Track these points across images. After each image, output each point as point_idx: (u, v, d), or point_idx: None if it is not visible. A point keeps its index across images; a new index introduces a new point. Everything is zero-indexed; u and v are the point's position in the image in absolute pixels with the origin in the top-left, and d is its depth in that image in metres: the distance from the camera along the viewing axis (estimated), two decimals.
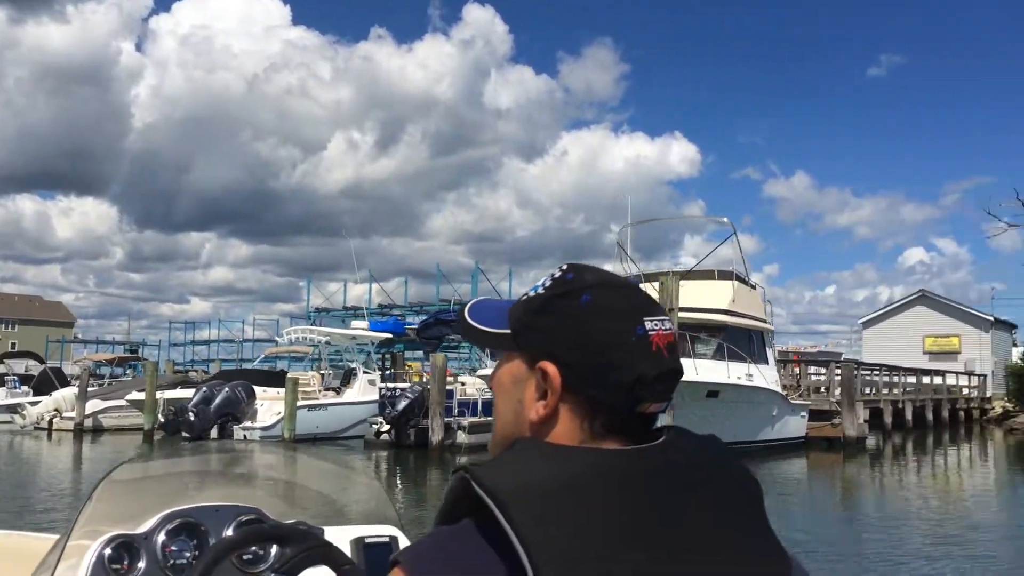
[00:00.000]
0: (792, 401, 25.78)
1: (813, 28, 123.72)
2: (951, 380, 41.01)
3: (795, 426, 25.72)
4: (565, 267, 0.97)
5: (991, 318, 48.20)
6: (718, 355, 22.23)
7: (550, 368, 0.90)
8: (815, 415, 27.08)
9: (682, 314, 20.14)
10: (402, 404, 23.95)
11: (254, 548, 1.73)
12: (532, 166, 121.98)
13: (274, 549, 1.56)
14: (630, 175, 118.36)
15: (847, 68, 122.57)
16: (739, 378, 22.50)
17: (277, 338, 30.06)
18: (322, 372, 29.00)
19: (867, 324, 51.11)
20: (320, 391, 27.20)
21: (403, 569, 0.83)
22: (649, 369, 0.89)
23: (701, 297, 22.13)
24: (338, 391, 27.46)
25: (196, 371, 50.21)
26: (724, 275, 24.16)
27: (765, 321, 25.18)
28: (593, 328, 0.90)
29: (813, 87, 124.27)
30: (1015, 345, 50.01)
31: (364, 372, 27.88)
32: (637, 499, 0.83)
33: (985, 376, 44.80)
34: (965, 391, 42.35)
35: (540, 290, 0.96)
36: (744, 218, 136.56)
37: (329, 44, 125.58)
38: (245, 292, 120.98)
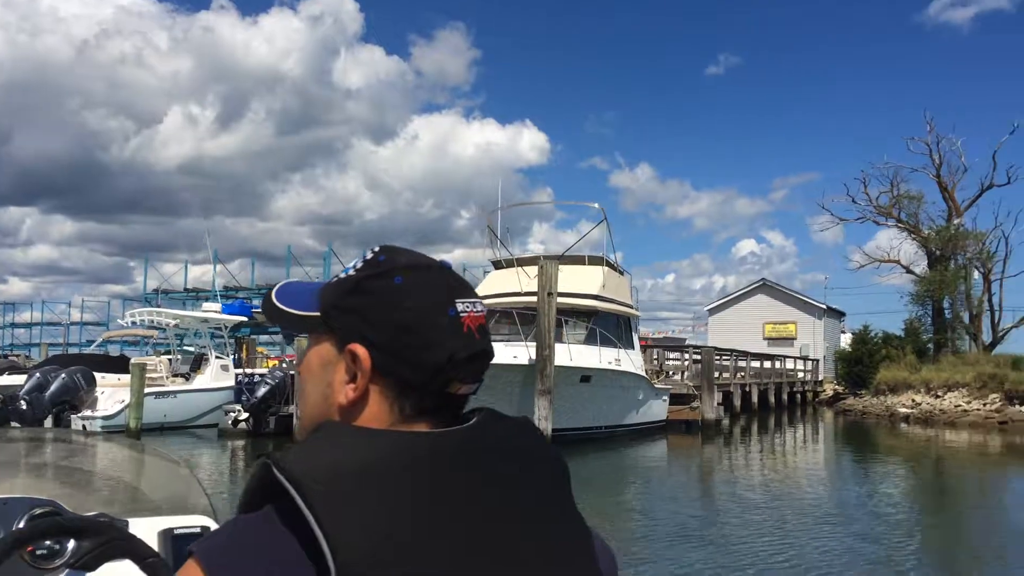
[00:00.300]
0: (656, 386, 26.33)
1: (658, 23, 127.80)
2: (788, 364, 43.49)
3: (658, 410, 26.29)
4: (377, 249, 0.97)
5: (824, 306, 51.44)
6: (590, 340, 22.30)
7: (360, 350, 0.90)
8: (673, 399, 27.81)
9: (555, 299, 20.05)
10: (262, 391, 22.67)
11: (48, 542, 1.55)
12: (382, 148, 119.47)
13: (71, 543, 1.45)
14: (481, 161, 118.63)
15: (688, 65, 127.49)
16: (610, 363, 22.69)
17: (120, 321, 27.72)
18: (170, 357, 27.06)
19: (712, 311, 53.45)
20: (168, 377, 25.36)
21: (196, 560, 0.80)
22: (460, 350, 0.91)
23: (572, 282, 22.10)
24: (188, 377, 25.70)
25: (18, 356, 46.13)
26: (595, 260, 24.25)
27: (632, 307, 25.51)
28: (404, 309, 0.90)
29: (658, 82, 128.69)
30: (844, 332, 53.63)
31: (217, 357, 26.23)
32: (441, 481, 0.83)
33: (818, 361, 47.77)
34: (800, 375, 45.01)
35: (352, 272, 0.96)
36: (590, 208, 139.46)
37: (167, 12, 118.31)
38: (70, 272, 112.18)
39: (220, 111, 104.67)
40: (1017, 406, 30.45)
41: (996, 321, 44.39)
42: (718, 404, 28.38)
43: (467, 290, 0.95)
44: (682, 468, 20.27)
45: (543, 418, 18.69)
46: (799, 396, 42.68)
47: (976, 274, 45.18)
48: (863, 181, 47.25)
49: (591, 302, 22.72)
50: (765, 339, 49.60)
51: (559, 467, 0.94)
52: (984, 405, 31.46)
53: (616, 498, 14.41)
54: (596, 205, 25.81)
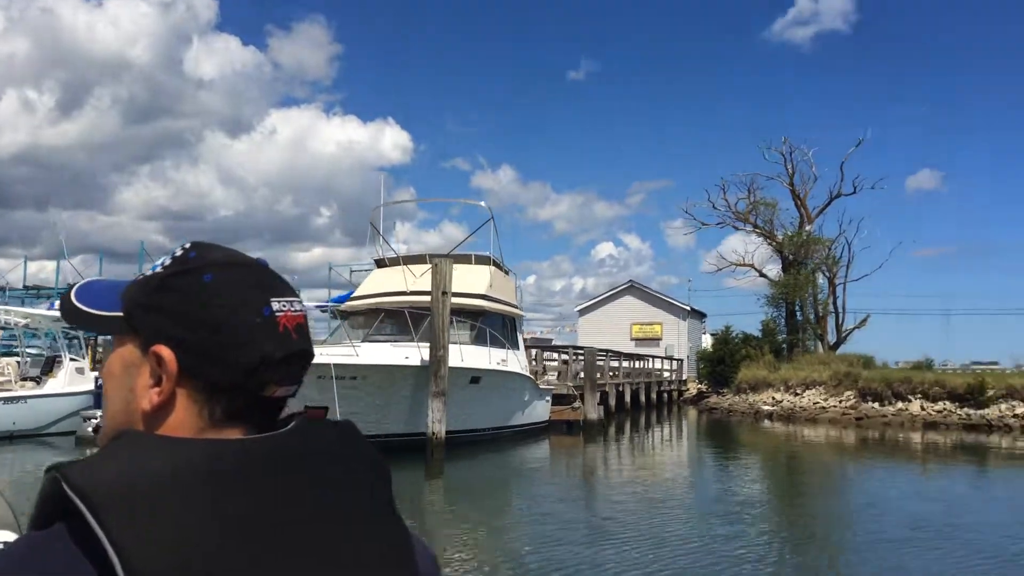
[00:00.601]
0: (540, 387, 26.32)
1: (521, 24, 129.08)
2: (655, 364, 44.70)
3: (541, 410, 26.28)
4: (188, 245, 0.93)
5: (688, 308, 53.25)
6: (478, 340, 22.01)
7: (165, 352, 0.85)
8: (554, 400, 27.90)
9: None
10: None
11: None
12: (237, 142, 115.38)
13: None
14: (342, 158, 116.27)
15: (550, 69, 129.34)
16: (498, 363, 22.47)
17: None
18: (18, 360, 24.75)
19: (582, 312, 54.32)
20: (16, 381, 23.17)
21: None
22: (275, 350, 0.87)
23: (460, 282, 21.69)
24: (38, 381, 23.59)
25: None
26: (482, 260, 23.94)
27: (517, 307, 25.38)
28: (215, 307, 0.87)
29: (520, 84, 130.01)
30: (705, 332, 55.75)
31: (71, 359, 24.20)
32: (251, 489, 0.79)
33: (682, 360, 49.37)
34: (666, 374, 46.37)
35: (159, 269, 0.91)
36: (453, 208, 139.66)
37: None
38: None
39: (60, 98, 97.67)
40: (870, 403, 32.44)
41: (840, 322, 47.38)
42: (598, 404, 28.70)
43: (285, 289, 0.92)
44: (570, 468, 20.27)
45: (437, 420, 18.23)
46: (666, 395, 43.94)
47: (821, 278, 48.09)
48: (722, 188, 49.48)
49: (479, 302, 22.41)
50: (632, 339, 50.83)
51: (381, 471, 0.90)
52: (840, 402, 33.34)
53: (509, 501, 14.17)
54: (483, 204, 25.55)
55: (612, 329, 50.49)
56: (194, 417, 0.86)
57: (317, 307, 35.78)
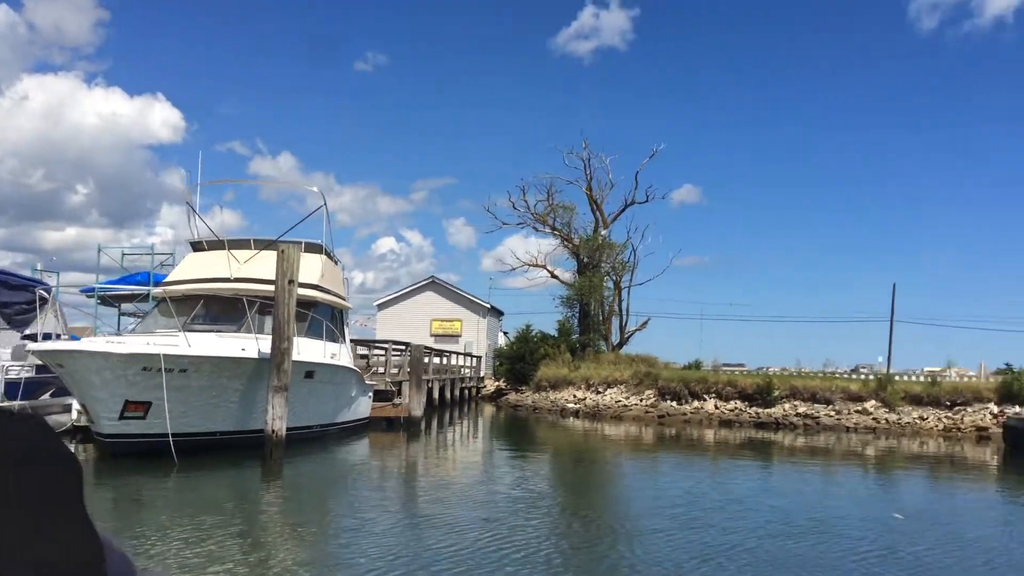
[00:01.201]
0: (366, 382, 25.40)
1: (307, 6, 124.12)
2: (455, 361, 44.68)
3: (365, 406, 25.37)
4: None
5: (488, 305, 53.76)
6: (311, 333, 20.80)
7: None
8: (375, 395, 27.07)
9: (269, 287, 18.40)
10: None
11: None
12: None
13: None
14: (103, 133, 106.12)
15: (337, 57, 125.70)
16: (332, 357, 21.40)
17: None
18: None
19: (382, 306, 53.29)
20: None
21: None
22: None
23: None
24: None
25: None
26: (313, 248, 22.58)
27: (345, 299, 24.29)
28: None
29: (304, 69, 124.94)
30: (502, 331, 56.62)
31: None
32: None
33: (481, 357, 49.81)
34: (464, 371, 46.54)
35: None
36: (227, 194, 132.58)
37: None
38: None
39: None
40: (669, 401, 34.30)
41: (624, 324, 49.89)
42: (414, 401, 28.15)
43: None
44: (409, 468, 19.61)
45: (278, 417, 16.98)
46: (467, 392, 44.08)
47: (609, 282, 50.44)
48: (522, 189, 50.62)
49: (312, 292, 21.16)
50: (432, 335, 50.57)
51: (72, 467, 0.82)
52: (641, 401, 34.99)
53: (356, 504, 13.35)
54: (315, 189, 24.08)
55: (412, 324, 50.00)
56: None
57: (83, 292, 32.45)
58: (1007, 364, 42.73)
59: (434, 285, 53.46)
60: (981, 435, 28.88)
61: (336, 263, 24.30)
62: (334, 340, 22.15)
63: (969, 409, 30.39)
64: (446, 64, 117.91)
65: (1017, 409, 29.22)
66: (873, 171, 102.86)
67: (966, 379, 38.66)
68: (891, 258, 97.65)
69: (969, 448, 26.18)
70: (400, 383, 28.61)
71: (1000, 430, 27.41)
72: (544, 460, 21.54)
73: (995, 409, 29.94)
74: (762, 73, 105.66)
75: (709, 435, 29.00)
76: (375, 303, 54.25)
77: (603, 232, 50.64)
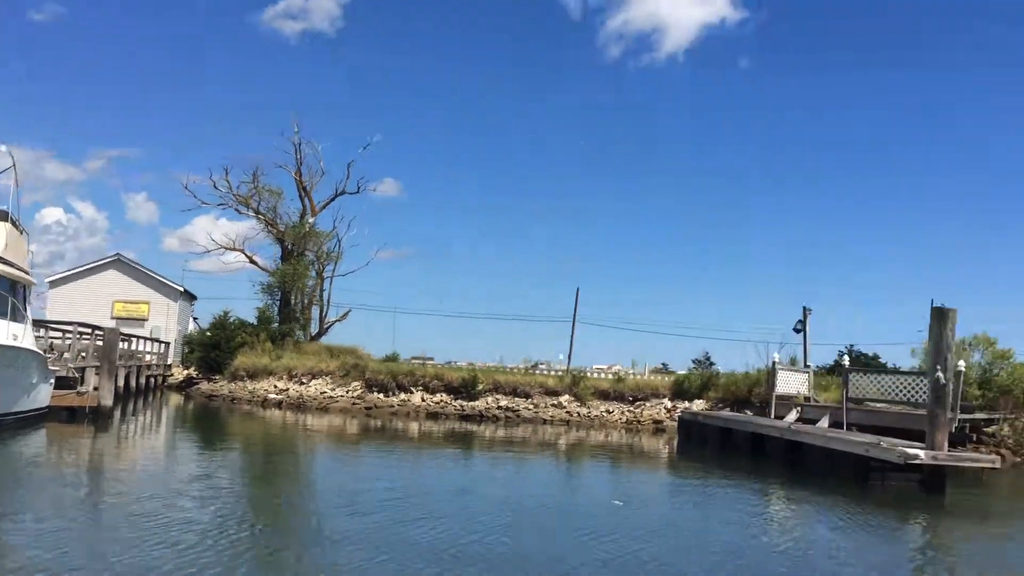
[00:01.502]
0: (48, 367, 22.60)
1: None
2: (139, 346, 41.22)
3: (46, 395, 22.58)
4: None
5: (181, 288, 50.13)
6: None
7: None
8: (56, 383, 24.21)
9: None
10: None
11: None
12: None
13: None
14: None
15: (12, 6, 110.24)
16: (13, 339, 18.84)
17: None
18: None
19: (54, 284, 47.60)
20: None
21: None
22: None
23: None
24: None
25: None
26: None
27: (28, 273, 21.46)
28: None
29: None
30: (194, 317, 53.08)
31: None
32: None
33: (169, 344, 46.41)
34: (150, 357, 43.12)
35: None
36: None
37: None
38: None
39: None
40: (376, 393, 34.37)
41: (324, 314, 49.27)
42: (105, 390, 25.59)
43: None
44: (79, 462, 17.56)
45: None
46: (152, 380, 40.91)
47: (313, 271, 49.52)
48: (226, 169, 48.02)
49: None
50: (114, 318, 46.21)
51: None
52: (348, 392, 34.70)
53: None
54: (3, 148, 20.82)
55: (90, 304, 45.36)
56: None
57: None
58: (663, 364, 48.55)
59: (119, 263, 48.84)
60: (657, 427, 32.33)
61: (22, 232, 21.42)
62: (16, 319, 19.53)
63: (647, 404, 33.96)
64: (129, 26, 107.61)
65: (687, 404, 33.25)
66: (562, 184, 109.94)
67: (631, 376, 42.80)
68: (577, 266, 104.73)
69: (647, 439, 29.22)
70: (84, 369, 25.84)
71: (674, 423, 30.98)
72: (248, 453, 20.46)
73: (669, 404, 33.77)
74: (470, 76, 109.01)
75: (414, 427, 29.46)
76: (47, 279, 48.43)
77: (310, 220, 49.52)
